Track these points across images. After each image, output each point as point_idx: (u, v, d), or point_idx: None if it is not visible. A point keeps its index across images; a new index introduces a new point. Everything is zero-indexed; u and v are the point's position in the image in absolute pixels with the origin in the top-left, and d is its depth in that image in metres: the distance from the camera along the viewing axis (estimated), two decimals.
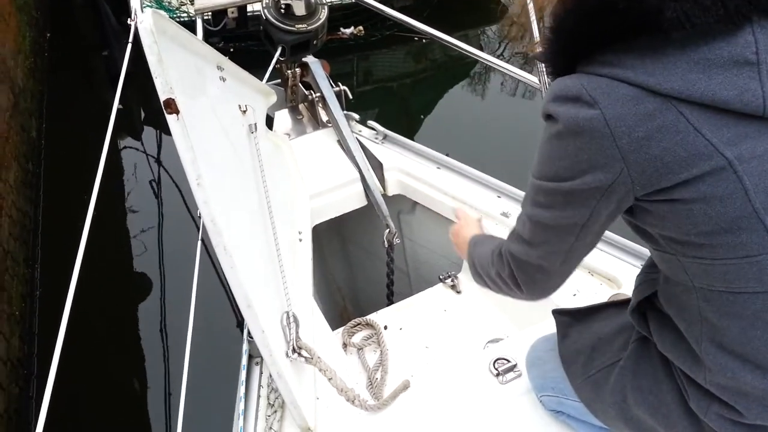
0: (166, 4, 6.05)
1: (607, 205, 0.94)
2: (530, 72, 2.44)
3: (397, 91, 6.55)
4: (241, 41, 5.43)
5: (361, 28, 2.75)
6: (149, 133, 5.51)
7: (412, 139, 2.55)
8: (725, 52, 0.84)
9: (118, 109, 1.94)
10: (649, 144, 0.86)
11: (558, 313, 1.45)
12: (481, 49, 4.70)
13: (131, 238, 4.34)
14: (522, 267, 1.11)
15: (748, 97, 0.84)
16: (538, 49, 1.02)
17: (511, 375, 1.66)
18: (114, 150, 5.23)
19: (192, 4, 5.88)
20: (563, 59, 0.95)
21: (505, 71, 2.42)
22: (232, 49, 5.10)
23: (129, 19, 1.92)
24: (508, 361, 1.69)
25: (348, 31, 2.68)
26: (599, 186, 0.91)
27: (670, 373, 1.12)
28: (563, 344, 1.41)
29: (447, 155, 2.44)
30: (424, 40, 6.37)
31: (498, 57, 5.30)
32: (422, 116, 5.90)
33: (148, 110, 5.67)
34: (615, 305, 1.37)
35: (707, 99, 0.84)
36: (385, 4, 2.74)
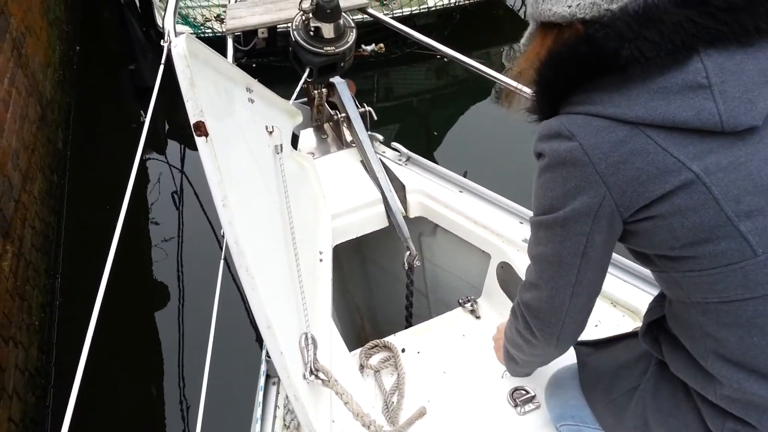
0: (192, 20, 6.13)
1: (599, 230, 1.03)
2: None
3: (417, 107, 6.54)
4: (264, 57, 5.49)
5: (381, 45, 2.78)
6: (173, 146, 5.57)
7: (432, 157, 2.55)
8: (679, 80, 0.95)
9: (143, 122, 1.96)
10: (624, 167, 0.97)
11: (578, 344, 1.45)
12: (502, 67, 4.71)
13: (152, 251, 4.37)
14: (534, 312, 1.17)
15: (705, 115, 0.94)
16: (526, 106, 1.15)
17: (530, 406, 1.65)
18: (140, 162, 5.30)
19: (217, 20, 5.96)
20: (547, 108, 1.08)
21: (525, 95, 2.41)
22: (254, 65, 5.15)
23: (162, 40, 1.95)
24: (527, 392, 1.68)
25: (369, 48, 2.71)
26: (588, 211, 1.01)
27: (689, 394, 1.14)
28: (584, 371, 1.43)
29: (465, 174, 2.43)
30: (444, 59, 6.40)
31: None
32: (442, 133, 5.88)
33: (173, 123, 5.73)
34: (635, 335, 1.37)
35: (669, 121, 0.95)
36: (406, 21, 2.75)
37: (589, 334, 1.71)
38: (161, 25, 5.58)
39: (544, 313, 1.15)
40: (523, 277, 2.10)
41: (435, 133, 5.93)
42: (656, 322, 1.23)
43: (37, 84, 4.55)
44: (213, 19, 6.07)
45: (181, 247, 4.31)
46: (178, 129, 5.62)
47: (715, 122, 0.94)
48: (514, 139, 4.54)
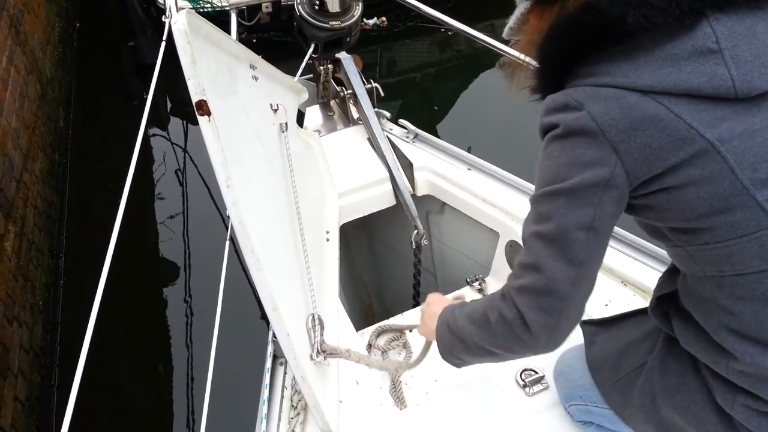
0: None
1: (609, 201, 0.97)
2: None
3: (420, 82, 6.41)
4: (268, 32, 5.40)
5: (384, 18, 2.69)
6: (176, 123, 5.52)
7: (436, 132, 2.50)
8: (688, 46, 0.92)
9: (146, 99, 1.92)
10: (635, 133, 0.93)
11: (585, 323, 1.44)
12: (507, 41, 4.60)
13: (158, 230, 4.35)
14: (530, 298, 1.01)
15: (717, 81, 0.91)
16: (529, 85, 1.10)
17: (538, 387, 1.63)
18: (142, 140, 5.25)
19: None
20: (551, 84, 1.04)
21: (531, 65, 2.34)
22: (255, 40, 5.05)
23: (163, 15, 1.90)
24: (535, 373, 1.66)
25: (371, 21, 2.63)
26: (598, 182, 0.95)
27: (697, 370, 1.13)
28: (590, 351, 1.41)
29: (469, 149, 2.39)
30: (449, 32, 6.28)
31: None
32: (446, 108, 5.76)
33: (175, 100, 5.68)
34: (643, 312, 1.36)
35: (680, 89, 0.92)
36: None
37: (599, 313, 1.69)
38: (161, 1, 5.49)
39: (543, 297, 0.99)
40: None
41: (438, 108, 5.84)
42: (666, 297, 1.20)
43: (37, 62, 4.49)
44: None
45: (187, 227, 4.28)
46: (181, 106, 5.56)
47: (728, 88, 0.91)
48: (521, 115, 4.43)
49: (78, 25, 6.37)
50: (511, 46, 2.11)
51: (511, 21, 1.12)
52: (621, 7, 0.92)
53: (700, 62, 0.91)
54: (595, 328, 1.43)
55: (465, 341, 1.19)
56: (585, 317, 1.40)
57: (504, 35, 1.16)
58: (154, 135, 5.30)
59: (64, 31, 5.69)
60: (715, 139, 0.92)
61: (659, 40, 0.93)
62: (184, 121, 5.41)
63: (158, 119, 5.48)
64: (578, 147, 0.96)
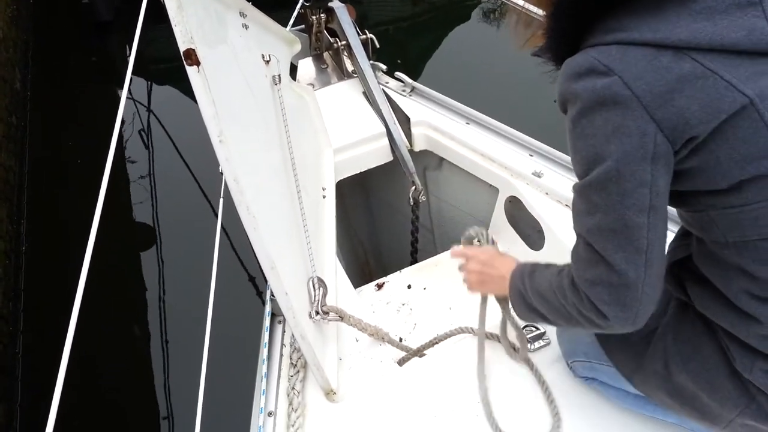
0: None
1: (660, 173, 0.90)
2: None
3: (393, 35, 6.21)
4: None
5: None
6: (138, 82, 5.33)
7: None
8: None
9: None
10: (672, 96, 0.86)
11: None
12: None
13: (131, 194, 4.22)
14: (605, 293, 0.96)
15: (757, 35, 0.86)
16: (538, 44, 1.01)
17: (539, 343, 1.61)
18: (109, 101, 5.11)
19: None
20: (566, 42, 0.95)
21: (519, 7, 2.24)
22: None
23: None
24: (537, 329, 1.64)
25: None
26: (644, 156, 0.88)
27: (712, 335, 1.10)
28: None
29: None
30: None
31: None
32: (423, 63, 5.55)
33: (139, 59, 5.51)
34: None
35: (716, 44, 0.85)
36: None
37: None
38: None
39: (617, 290, 0.95)
40: (532, 211, 2.07)
41: (415, 62, 5.62)
42: (678, 263, 1.16)
43: None
44: None
45: (155, 190, 4.15)
46: (148, 63, 5.36)
47: None
48: (511, 66, 4.28)
49: None
50: None
51: None
52: None
53: (737, 15, 0.86)
54: None
55: (545, 317, 1.14)
56: None
57: None
58: (114, 95, 5.15)
59: None
60: (755, 95, 0.86)
61: None
62: (149, 81, 5.24)
63: (118, 79, 5.34)
64: (612, 119, 0.88)
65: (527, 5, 1.09)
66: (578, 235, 1.00)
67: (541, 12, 1.02)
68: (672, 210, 1.04)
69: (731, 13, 0.86)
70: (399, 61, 5.62)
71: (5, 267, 3.41)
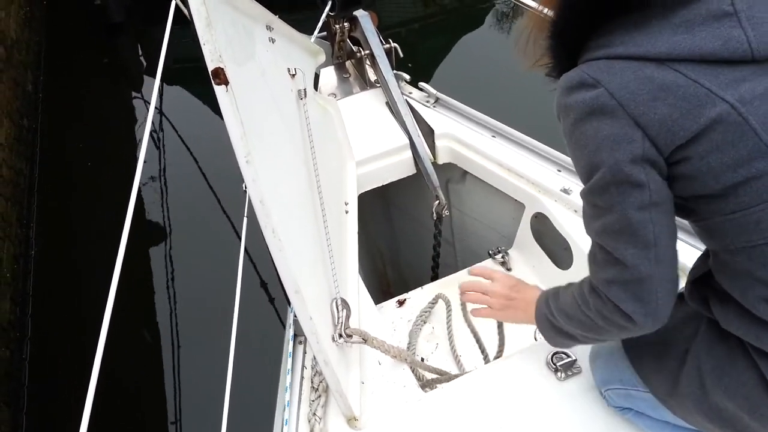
0: None
1: (654, 173, 0.96)
2: None
3: (405, 38, 6.13)
4: None
5: None
6: (149, 83, 5.26)
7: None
8: (703, 10, 0.91)
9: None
10: (655, 104, 0.92)
11: None
12: None
13: (142, 193, 4.05)
14: (622, 292, 1.02)
15: (733, 44, 0.90)
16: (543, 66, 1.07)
17: (571, 371, 1.56)
18: (120, 103, 5.07)
19: None
20: (566, 59, 1.02)
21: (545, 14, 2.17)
22: None
23: None
24: (568, 356, 1.58)
25: None
26: (634, 159, 0.94)
27: (745, 351, 1.09)
28: (628, 339, 1.31)
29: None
30: None
31: None
32: (434, 67, 5.45)
33: (150, 61, 5.46)
34: (680, 297, 1.27)
35: (695, 54, 0.91)
36: None
37: None
38: None
39: (633, 286, 1.00)
40: (560, 229, 2.02)
41: (425, 65, 5.50)
42: (700, 281, 1.16)
43: None
44: None
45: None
46: (154, 66, 5.32)
47: (745, 50, 0.90)
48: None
49: None
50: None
51: None
52: None
53: (715, 26, 0.90)
54: None
55: (574, 337, 1.21)
56: None
57: None
58: (134, 98, 5.09)
59: None
60: (736, 100, 0.90)
61: (673, 6, 0.92)
62: (161, 83, 5.18)
63: (130, 80, 5.31)
64: (602, 128, 0.95)
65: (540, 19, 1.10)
66: (592, 240, 1.07)
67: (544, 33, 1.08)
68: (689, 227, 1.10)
69: (709, 25, 0.91)
70: (410, 65, 5.58)
71: (13, 271, 3.37)
